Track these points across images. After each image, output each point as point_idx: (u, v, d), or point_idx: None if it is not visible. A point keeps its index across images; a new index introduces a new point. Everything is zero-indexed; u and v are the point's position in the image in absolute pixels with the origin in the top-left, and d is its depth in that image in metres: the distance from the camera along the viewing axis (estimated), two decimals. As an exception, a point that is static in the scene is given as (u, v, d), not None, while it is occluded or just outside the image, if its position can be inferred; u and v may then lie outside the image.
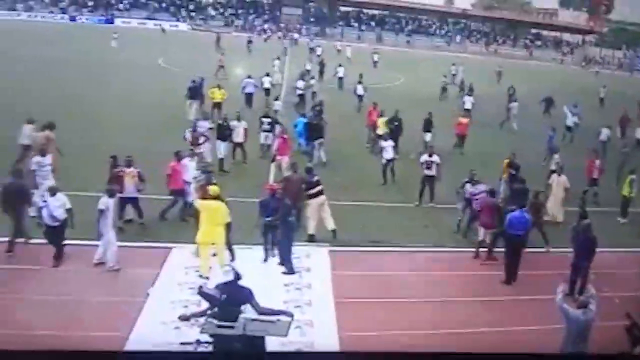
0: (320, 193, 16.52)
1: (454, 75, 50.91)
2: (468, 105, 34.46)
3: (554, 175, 19.47)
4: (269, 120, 24.22)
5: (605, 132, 28.95)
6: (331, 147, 24.32)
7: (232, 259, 13.90)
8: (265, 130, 23.97)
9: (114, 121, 25.89)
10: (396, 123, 25.24)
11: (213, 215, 13.46)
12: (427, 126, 27.13)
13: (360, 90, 35.84)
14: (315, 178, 16.72)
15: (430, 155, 19.86)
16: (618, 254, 16.24)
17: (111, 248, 13.77)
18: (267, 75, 36.23)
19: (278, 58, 45.75)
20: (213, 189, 14.16)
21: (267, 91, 34.87)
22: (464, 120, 28.23)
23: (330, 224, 16.59)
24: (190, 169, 16.86)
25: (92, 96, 31.09)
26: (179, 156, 17.01)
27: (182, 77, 34.21)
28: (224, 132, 22.36)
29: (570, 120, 31.60)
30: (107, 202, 13.80)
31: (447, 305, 13.25)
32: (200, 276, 13.40)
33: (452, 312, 12.93)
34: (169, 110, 29.16)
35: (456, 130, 27.86)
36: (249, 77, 33.72)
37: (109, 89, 34.07)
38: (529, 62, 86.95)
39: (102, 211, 13.66)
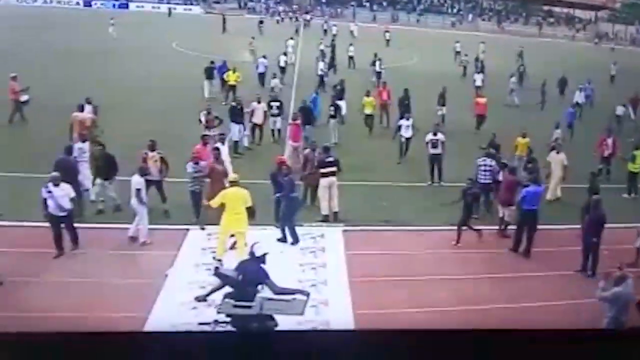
0: (332, 174, 16.54)
1: (457, 52, 50.33)
2: (478, 83, 34.62)
3: (552, 153, 18.94)
4: (277, 104, 23.83)
5: (620, 109, 29.02)
6: (345, 127, 24.31)
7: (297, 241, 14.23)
8: (273, 115, 23.50)
9: (134, 106, 26.02)
10: (406, 102, 25.17)
11: (235, 203, 13.31)
12: (442, 100, 27.91)
13: (377, 67, 36.69)
14: (330, 158, 16.72)
15: (435, 134, 19.73)
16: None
17: (143, 224, 14.23)
18: (284, 54, 37.63)
19: (291, 38, 45.76)
20: (232, 176, 14.24)
21: (282, 69, 35.84)
22: (482, 100, 27.22)
23: (335, 206, 16.61)
24: (223, 153, 16.91)
25: (110, 81, 31.02)
26: (205, 140, 17.24)
27: (198, 60, 34.16)
28: (237, 115, 22.14)
29: (579, 97, 31.34)
30: (140, 181, 14.27)
31: (462, 283, 13.24)
32: (214, 258, 13.42)
33: (467, 289, 12.91)
34: (187, 93, 29.30)
35: (475, 110, 27.07)
36: (264, 57, 34.84)
37: (126, 74, 34.16)
38: (541, 39, 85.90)
39: (138, 190, 14.16)
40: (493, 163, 17.17)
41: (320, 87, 32.50)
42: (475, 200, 16.06)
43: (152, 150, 16.08)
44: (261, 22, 66.91)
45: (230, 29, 61.48)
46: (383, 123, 26.71)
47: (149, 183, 15.28)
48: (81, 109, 19.86)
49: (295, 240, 14.83)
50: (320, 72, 34.74)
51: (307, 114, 22.75)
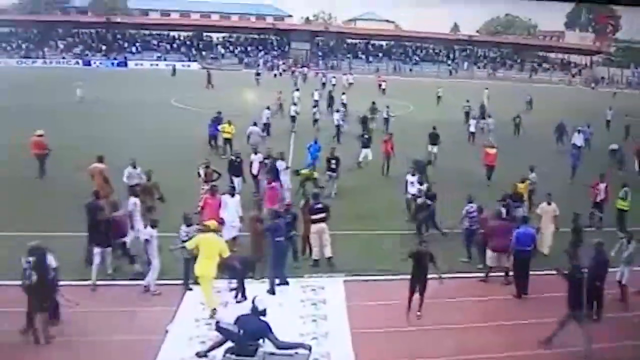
0: (322, 220, 16.70)
1: (439, 97, 54.83)
2: (472, 129, 35.53)
3: (543, 204, 18.19)
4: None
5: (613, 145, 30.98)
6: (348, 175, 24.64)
7: (244, 296, 13.98)
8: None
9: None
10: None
11: (210, 248, 13.46)
12: (434, 139, 29.55)
13: (385, 114, 38.56)
14: (319, 205, 16.90)
15: (413, 174, 20.13)
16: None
17: (154, 275, 14.51)
18: (294, 104, 39.55)
19: (297, 89, 47.82)
20: (211, 223, 14.35)
21: (293, 118, 38.21)
22: (491, 150, 26.78)
23: (327, 252, 16.70)
24: (230, 206, 17.10)
25: (110, 137, 31.31)
26: (213, 190, 17.58)
27: (196, 116, 34.62)
28: (236, 168, 22.08)
29: (578, 139, 31.52)
30: (150, 232, 14.53)
31: (465, 332, 13.18)
32: (212, 311, 13.39)
33: (470, 338, 12.86)
34: (187, 148, 29.58)
35: (484, 160, 26.75)
36: (268, 108, 36.02)
37: (125, 129, 34.48)
38: (538, 85, 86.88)
39: (147, 241, 14.50)
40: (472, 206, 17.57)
41: (336, 137, 34.02)
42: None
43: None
44: (258, 74, 70.47)
45: (225, 84, 62.40)
46: (384, 173, 26.90)
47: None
48: (100, 160, 20.67)
49: (283, 282, 15.09)
50: (336, 123, 35.16)
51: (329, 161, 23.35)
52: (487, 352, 12.35)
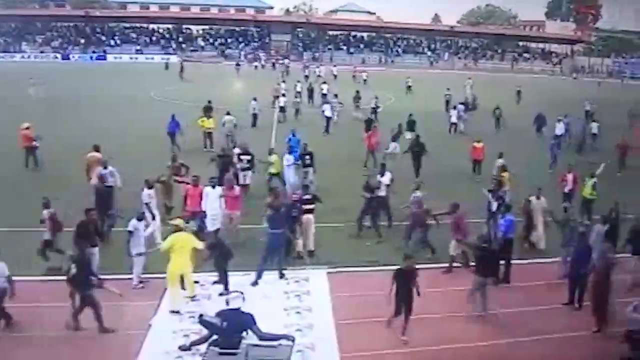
0: (310, 211, 16.84)
1: (409, 87, 56.85)
2: (453, 119, 36.49)
3: (533, 199, 17.94)
4: (248, 157, 22.32)
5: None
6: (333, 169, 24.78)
7: (227, 289, 13.97)
8: (243, 169, 22.02)
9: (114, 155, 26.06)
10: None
11: (183, 246, 13.46)
12: (411, 126, 31.47)
13: (374, 104, 40.32)
14: (308, 196, 17.03)
15: (382, 175, 19.46)
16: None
17: (137, 269, 14.61)
18: (283, 95, 40.98)
19: (283, 81, 49.60)
20: (178, 222, 14.20)
21: (282, 109, 39.52)
22: (479, 145, 26.36)
23: (310, 245, 16.84)
24: (211, 197, 17.06)
25: (87, 132, 31.06)
26: (195, 181, 17.54)
27: (176, 108, 34.43)
28: (227, 164, 21.32)
29: (559, 129, 32.35)
30: (135, 224, 14.50)
31: (448, 321, 13.28)
32: (171, 311, 13.24)
33: (453, 327, 12.95)
34: (166, 141, 29.21)
35: (471, 155, 26.39)
36: (255, 99, 36.77)
37: (107, 124, 34.25)
38: (520, 75, 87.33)
39: (130, 232, 14.44)
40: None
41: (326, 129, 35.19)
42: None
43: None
44: (238, 64, 73.34)
45: (206, 76, 62.49)
46: (368, 166, 26.27)
47: None
48: (97, 149, 21.10)
49: (280, 273, 15.32)
50: (328, 115, 36.06)
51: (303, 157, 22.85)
52: (470, 341, 12.45)
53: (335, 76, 66.87)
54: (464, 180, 24.95)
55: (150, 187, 17.35)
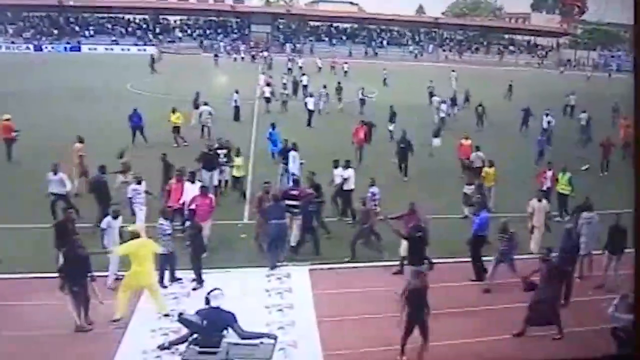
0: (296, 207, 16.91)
1: (385, 79, 57.31)
2: (442, 114, 36.55)
3: (534, 201, 17.56)
4: (224, 151, 21.87)
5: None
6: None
7: (200, 285, 14.01)
8: (221, 164, 21.59)
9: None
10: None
11: (143, 255, 13.03)
12: (392, 117, 32.37)
13: (361, 95, 41.38)
14: (295, 191, 17.23)
15: (345, 168, 19.67)
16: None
17: (113, 267, 14.41)
18: (268, 85, 41.46)
19: (263, 73, 50.85)
20: (133, 228, 14.08)
21: (267, 100, 39.93)
22: (466, 142, 25.46)
23: (292, 240, 16.91)
24: (190, 193, 17.01)
25: (67, 125, 30.90)
26: (178, 176, 17.60)
27: (152, 101, 34.34)
28: (209, 161, 20.92)
29: (545, 122, 32.74)
30: (109, 222, 14.48)
31: (433, 318, 13.32)
32: (114, 321, 12.74)
33: (437, 324, 13.01)
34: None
35: (459, 154, 25.53)
36: (237, 92, 36.81)
37: (82, 117, 33.91)
38: (505, 68, 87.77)
39: (103, 230, 14.44)
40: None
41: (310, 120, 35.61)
42: None
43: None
44: (216, 55, 74.96)
45: (183, 68, 62.41)
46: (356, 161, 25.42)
47: None
48: (80, 140, 21.74)
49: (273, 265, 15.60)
50: (311, 107, 36.52)
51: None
52: (456, 337, 12.54)
53: (320, 68, 67.68)
54: (453, 176, 24.49)
55: (139, 183, 17.37)
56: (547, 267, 12.89)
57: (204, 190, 16.92)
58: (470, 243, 15.77)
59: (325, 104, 40.26)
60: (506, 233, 14.97)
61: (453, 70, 57.15)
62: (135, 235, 13.43)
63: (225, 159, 21.66)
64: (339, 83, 43.52)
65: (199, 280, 14.38)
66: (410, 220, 15.52)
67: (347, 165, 19.81)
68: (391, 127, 31.69)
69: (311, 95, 38.06)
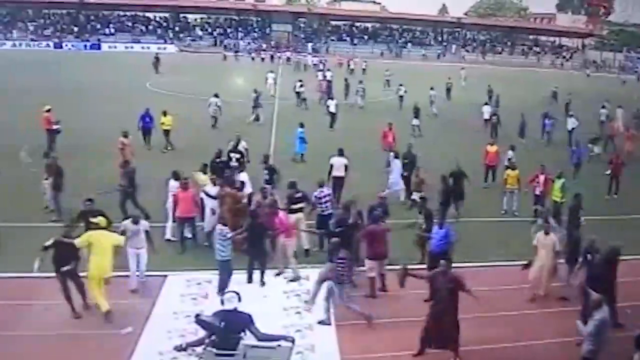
0: (299, 210, 16.85)
1: (387, 80, 55.99)
2: (486, 116, 36.54)
3: (540, 234, 14.75)
4: (237, 155, 21.10)
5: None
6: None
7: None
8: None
9: (104, 148, 25.93)
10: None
11: (103, 246, 13.11)
12: (416, 113, 34.68)
13: (402, 92, 43.45)
14: (299, 194, 17.00)
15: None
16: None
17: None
18: (300, 81, 43.92)
19: (271, 71, 51.07)
20: (100, 220, 14.15)
21: (298, 94, 42.60)
22: (492, 148, 24.42)
23: (304, 243, 16.84)
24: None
25: (85, 125, 31.15)
26: (184, 184, 16.99)
27: (172, 100, 34.43)
28: (221, 170, 19.67)
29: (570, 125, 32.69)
30: (127, 226, 14.47)
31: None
32: (106, 312, 12.85)
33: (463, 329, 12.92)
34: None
35: (485, 160, 24.48)
36: (255, 91, 36.86)
37: (101, 117, 34.17)
38: (530, 69, 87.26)
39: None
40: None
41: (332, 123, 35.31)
42: None
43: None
44: (237, 51, 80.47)
45: (202, 67, 62.54)
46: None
47: None
48: (125, 135, 23.27)
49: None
50: (332, 110, 35.81)
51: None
52: (486, 343, 12.44)
53: (340, 64, 69.88)
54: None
55: (177, 179, 17.14)
56: None
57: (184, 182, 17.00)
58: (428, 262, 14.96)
59: (363, 99, 42.78)
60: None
61: (462, 68, 57.74)
62: (96, 227, 13.65)
63: (236, 164, 20.50)
64: (360, 82, 45.28)
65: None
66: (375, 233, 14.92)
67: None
68: (415, 122, 34.02)
69: (332, 98, 37.05)
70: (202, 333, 10.32)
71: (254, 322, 9.79)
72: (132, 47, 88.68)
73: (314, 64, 68.49)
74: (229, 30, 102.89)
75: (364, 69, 66.38)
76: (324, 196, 17.23)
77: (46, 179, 18.95)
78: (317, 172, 20.52)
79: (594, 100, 44.25)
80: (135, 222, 14.51)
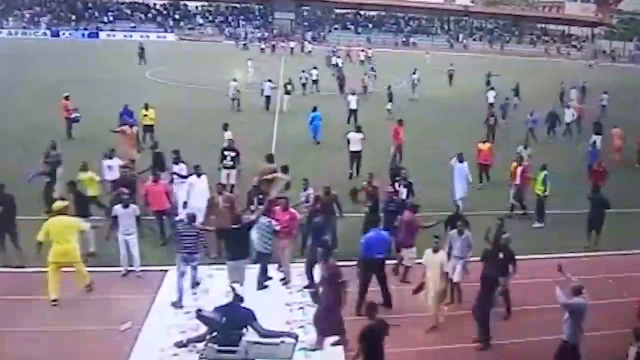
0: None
1: (372, 69, 52.18)
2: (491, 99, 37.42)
3: (428, 251, 13.06)
4: (233, 154, 20.39)
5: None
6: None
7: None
8: (226, 167, 20.20)
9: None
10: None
11: (62, 232, 13.18)
12: (390, 97, 36.22)
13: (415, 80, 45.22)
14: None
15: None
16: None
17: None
18: (303, 71, 45.49)
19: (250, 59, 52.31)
20: (57, 205, 14.07)
21: (303, 86, 44.16)
22: (485, 146, 23.67)
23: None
24: (197, 187, 17.23)
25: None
26: (155, 177, 17.07)
27: (173, 90, 34.33)
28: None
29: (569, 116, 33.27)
30: (117, 210, 14.59)
31: (451, 319, 13.22)
32: (53, 301, 13.01)
33: (461, 326, 12.91)
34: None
35: (478, 158, 23.50)
36: (269, 80, 37.72)
37: (100, 107, 33.97)
38: (538, 58, 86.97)
39: (115, 217, 14.56)
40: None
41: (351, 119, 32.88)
42: None
43: None
44: (237, 40, 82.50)
45: (203, 56, 62.38)
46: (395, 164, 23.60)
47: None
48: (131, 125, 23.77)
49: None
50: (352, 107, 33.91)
51: None
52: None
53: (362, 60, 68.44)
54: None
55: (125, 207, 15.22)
56: None
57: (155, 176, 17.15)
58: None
59: (372, 82, 45.50)
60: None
61: (451, 64, 56.32)
62: (57, 212, 13.62)
63: (231, 163, 20.20)
64: (372, 69, 48.58)
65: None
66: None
67: None
68: (389, 107, 35.61)
69: (353, 93, 34.46)
70: (203, 329, 10.34)
71: (256, 317, 9.78)
72: (130, 36, 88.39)
73: (327, 55, 66.45)
74: (230, 18, 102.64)
75: (369, 57, 68.06)
76: (307, 196, 16.70)
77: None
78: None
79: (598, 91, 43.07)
80: (126, 206, 14.58)
